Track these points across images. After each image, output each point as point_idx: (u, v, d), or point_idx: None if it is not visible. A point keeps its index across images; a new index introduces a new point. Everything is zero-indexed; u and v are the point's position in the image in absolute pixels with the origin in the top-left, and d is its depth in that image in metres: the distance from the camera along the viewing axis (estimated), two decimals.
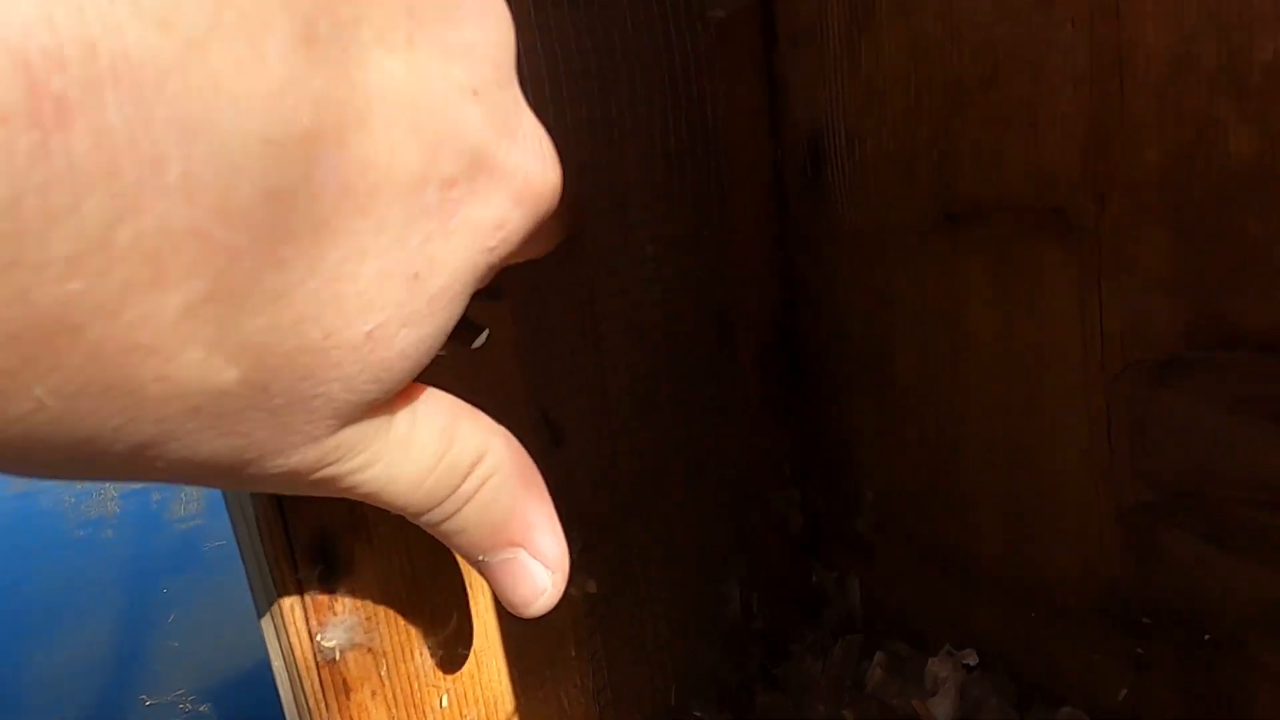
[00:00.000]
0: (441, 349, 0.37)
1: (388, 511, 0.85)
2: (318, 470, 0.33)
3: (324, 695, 0.81)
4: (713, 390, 1.20)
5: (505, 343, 0.95)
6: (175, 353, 0.24)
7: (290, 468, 0.31)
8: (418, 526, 0.83)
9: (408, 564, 0.85)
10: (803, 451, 1.35)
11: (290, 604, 0.78)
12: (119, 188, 0.20)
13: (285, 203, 0.24)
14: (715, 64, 1.14)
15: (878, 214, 1.18)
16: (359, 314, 0.28)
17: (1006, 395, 1.12)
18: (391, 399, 0.34)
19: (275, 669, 0.83)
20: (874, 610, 1.38)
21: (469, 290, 0.34)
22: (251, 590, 0.81)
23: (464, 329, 0.95)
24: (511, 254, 0.36)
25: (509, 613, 0.98)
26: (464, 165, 0.30)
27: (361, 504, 0.80)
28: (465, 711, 0.93)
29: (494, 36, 0.31)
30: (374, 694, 0.85)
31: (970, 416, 1.15)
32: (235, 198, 0.22)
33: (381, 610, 0.84)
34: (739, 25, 1.18)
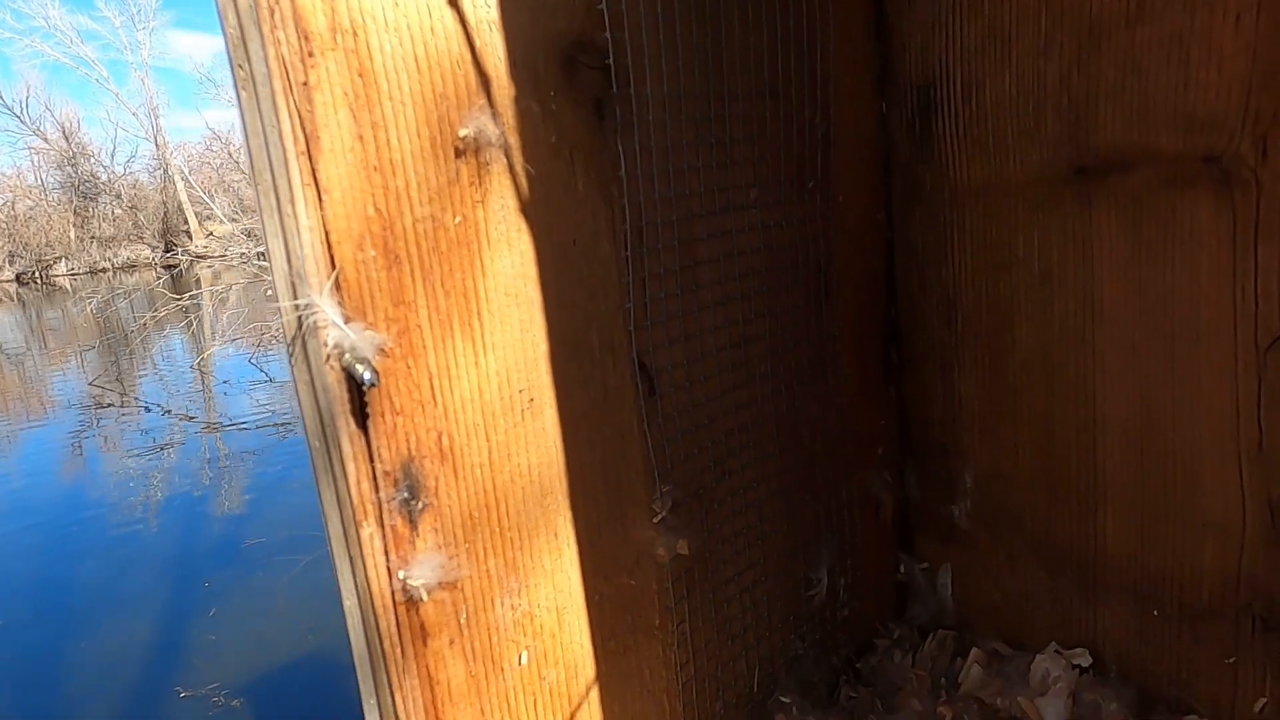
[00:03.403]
0: None
1: (474, 441, 0.79)
2: None
3: (400, 640, 0.74)
4: (809, 353, 1.11)
5: (610, 282, 0.88)
6: None
7: None
8: (506, 457, 0.76)
9: (494, 500, 0.78)
10: (901, 427, 1.25)
11: (370, 534, 0.71)
12: None
13: None
14: (827, 3, 1.06)
15: (996, 168, 1.09)
16: None
17: (1142, 368, 1.02)
18: None
19: (347, 609, 0.75)
20: (966, 605, 1.27)
21: None
22: (325, 520, 0.75)
23: None
24: None
25: (595, 568, 0.91)
26: None
27: (449, 430, 0.73)
28: (545, 673, 0.85)
29: None
30: (452, 643, 0.77)
31: (1099, 392, 1.05)
32: None
33: (464, 550, 0.77)
34: None
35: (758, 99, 1.01)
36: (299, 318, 0.67)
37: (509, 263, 0.79)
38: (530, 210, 0.80)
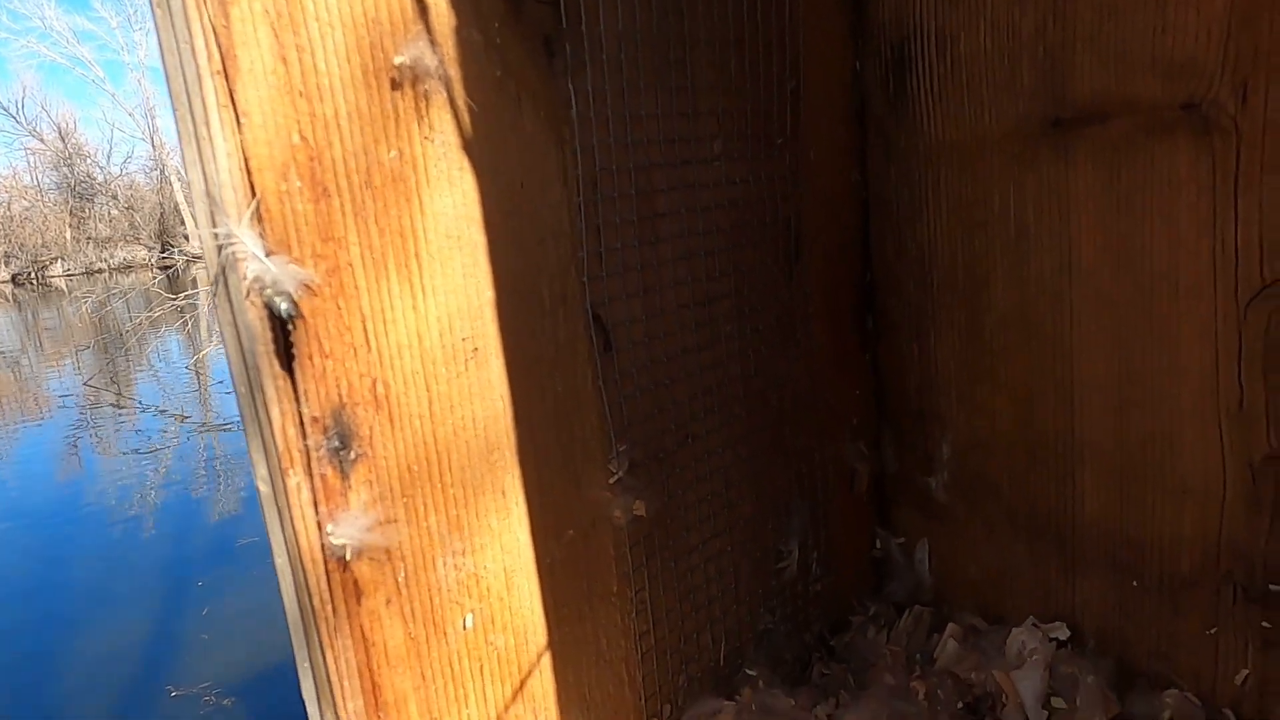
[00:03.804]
0: None
1: (413, 391, 0.75)
2: None
3: (331, 597, 0.70)
4: (778, 315, 1.08)
5: (562, 228, 0.84)
6: None
7: None
8: (448, 409, 0.72)
9: (435, 453, 0.74)
10: (876, 396, 1.22)
11: (297, 483, 0.67)
12: None
13: None
14: None
15: (971, 123, 1.06)
16: None
17: (1120, 325, 0.98)
18: None
19: (278, 567, 0.72)
20: (944, 580, 1.24)
21: None
22: (254, 473, 0.71)
23: None
24: None
25: (546, 528, 0.87)
26: None
27: (385, 378, 0.70)
28: (492, 638, 0.81)
29: None
30: (389, 602, 0.73)
31: (1076, 352, 1.01)
32: None
33: (402, 505, 0.73)
34: None
35: (722, 47, 0.97)
36: (219, 249, 0.63)
37: (451, 202, 0.75)
38: (474, 148, 0.76)
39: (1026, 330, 1.04)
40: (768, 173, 1.04)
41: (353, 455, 0.70)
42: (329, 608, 0.70)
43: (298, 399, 0.66)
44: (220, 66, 0.61)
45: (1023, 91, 1.00)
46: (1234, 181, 0.88)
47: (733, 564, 1.04)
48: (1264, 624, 0.95)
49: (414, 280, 0.73)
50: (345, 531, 0.70)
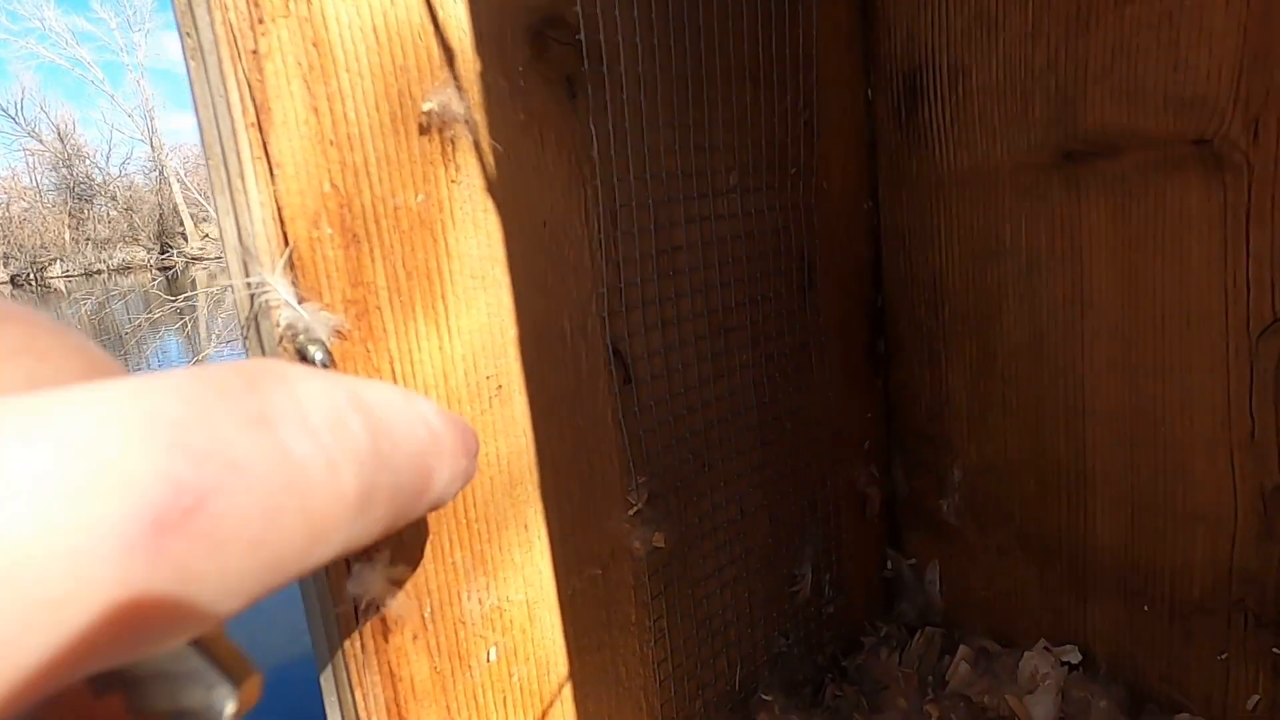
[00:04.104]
0: None
1: None
2: None
3: (360, 636, 0.71)
4: (792, 343, 1.09)
5: (583, 265, 0.85)
6: None
7: None
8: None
9: (462, 490, 0.75)
10: (888, 420, 1.23)
11: None
12: None
13: None
14: None
15: (983, 154, 1.07)
16: None
17: (1131, 356, 0.99)
18: None
19: (306, 607, 0.73)
20: (955, 602, 1.25)
21: None
22: None
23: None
24: None
25: (567, 561, 0.88)
26: None
27: None
28: (514, 669, 0.82)
29: None
30: (415, 638, 0.74)
31: (1088, 381, 1.03)
32: None
33: (429, 542, 0.74)
34: None
35: (738, 81, 0.98)
36: (251, 297, 0.64)
37: (475, 244, 0.76)
38: (498, 190, 0.77)
39: (1038, 360, 1.05)
40: (781, 203, 1.05)
41: None
42: (358, 645, 0.71)
43: None
44: (255, 119, 0.62)
45: (1034, 125, 1.01)
46: (1245, 216, 0.89)
47: (748, 589, 1.06)
48: (1275, 650, 0.96)
49: (440, 321, 0.74)
50: (373, 570, 0.71)
